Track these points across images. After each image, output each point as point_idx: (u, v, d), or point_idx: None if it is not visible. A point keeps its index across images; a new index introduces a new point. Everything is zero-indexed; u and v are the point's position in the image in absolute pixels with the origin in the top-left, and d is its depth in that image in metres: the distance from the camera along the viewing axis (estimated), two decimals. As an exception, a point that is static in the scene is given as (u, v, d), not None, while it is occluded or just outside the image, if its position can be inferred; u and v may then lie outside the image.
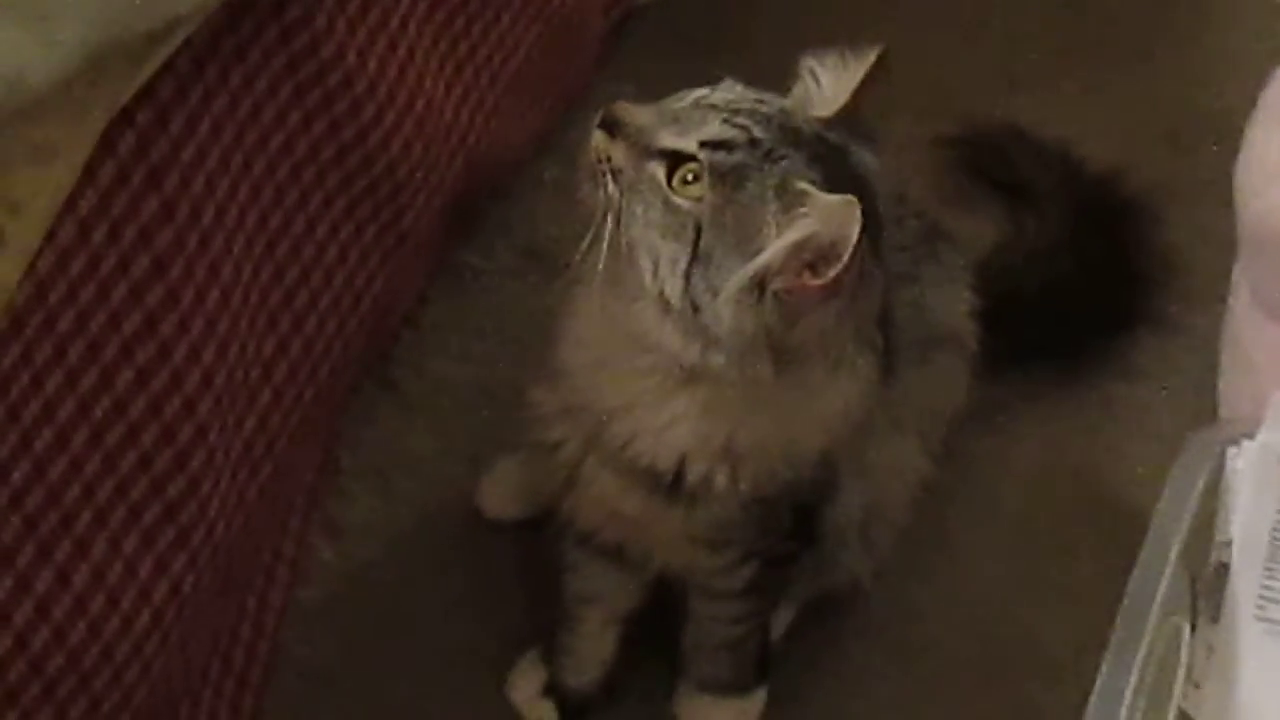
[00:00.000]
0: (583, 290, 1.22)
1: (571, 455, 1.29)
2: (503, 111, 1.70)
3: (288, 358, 1.42)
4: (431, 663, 1.53)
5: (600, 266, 1.15)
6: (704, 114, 1.15)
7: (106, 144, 1.13)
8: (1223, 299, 1.50)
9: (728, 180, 1.12)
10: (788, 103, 1.19)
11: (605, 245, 1.15)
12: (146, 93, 1.18)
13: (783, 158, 1.13)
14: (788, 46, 1.94)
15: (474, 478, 1.60)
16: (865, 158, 1.18)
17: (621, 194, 1.15)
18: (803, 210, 1.10)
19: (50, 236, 1.09)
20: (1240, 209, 1.39)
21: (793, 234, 1.10)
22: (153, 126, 1.19)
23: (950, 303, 1.39)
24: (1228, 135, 1.41)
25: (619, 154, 1.15)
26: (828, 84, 1.18)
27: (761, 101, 1.17)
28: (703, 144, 1.13)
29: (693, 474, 1.24)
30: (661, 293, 1.14)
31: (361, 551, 1.60)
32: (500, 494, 1.59)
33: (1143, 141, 1.83)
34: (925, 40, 1.96)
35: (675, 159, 1.14)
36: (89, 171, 1.12)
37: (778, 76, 1.87)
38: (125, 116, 1.16)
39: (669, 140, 1.14)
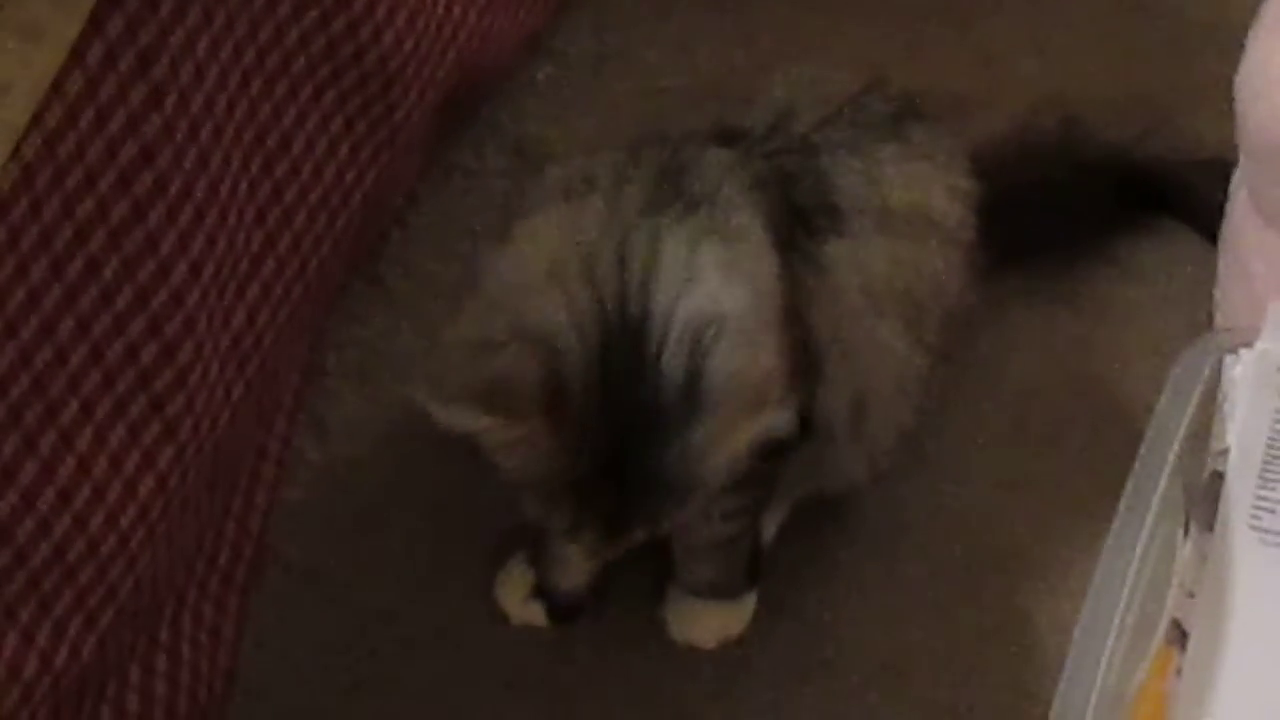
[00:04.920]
0: None
1: None
2: (496, 8, 1.68)
3: (276, 252, 1.40)
4: (418, 563, 1.52)
5: None
6: None
7: (94, 25, 1.11)
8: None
9: None
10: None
11: None
12: (136, -26, 1.16)
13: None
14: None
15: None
16: None
17: None
18: None
19: (36, 119, 1.07)
20: (1240, 117, 1.38)
21: None
22: (142, 9, 1.16)
23: (914, 180, 1.36)
24: (1228, 44, 1.40)
25: None
26: None
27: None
28: None
29: None
30: None
31: (347, 451, 1.59)
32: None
33: (1143, 49, 1.81)
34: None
35: None
36: (76, 54, 1.09)
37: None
38: (114, -2, 1.14)
39: None
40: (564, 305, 1.16)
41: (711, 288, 1.17)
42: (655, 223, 1.19)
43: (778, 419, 1.17)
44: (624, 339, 1.16)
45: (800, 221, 1.29)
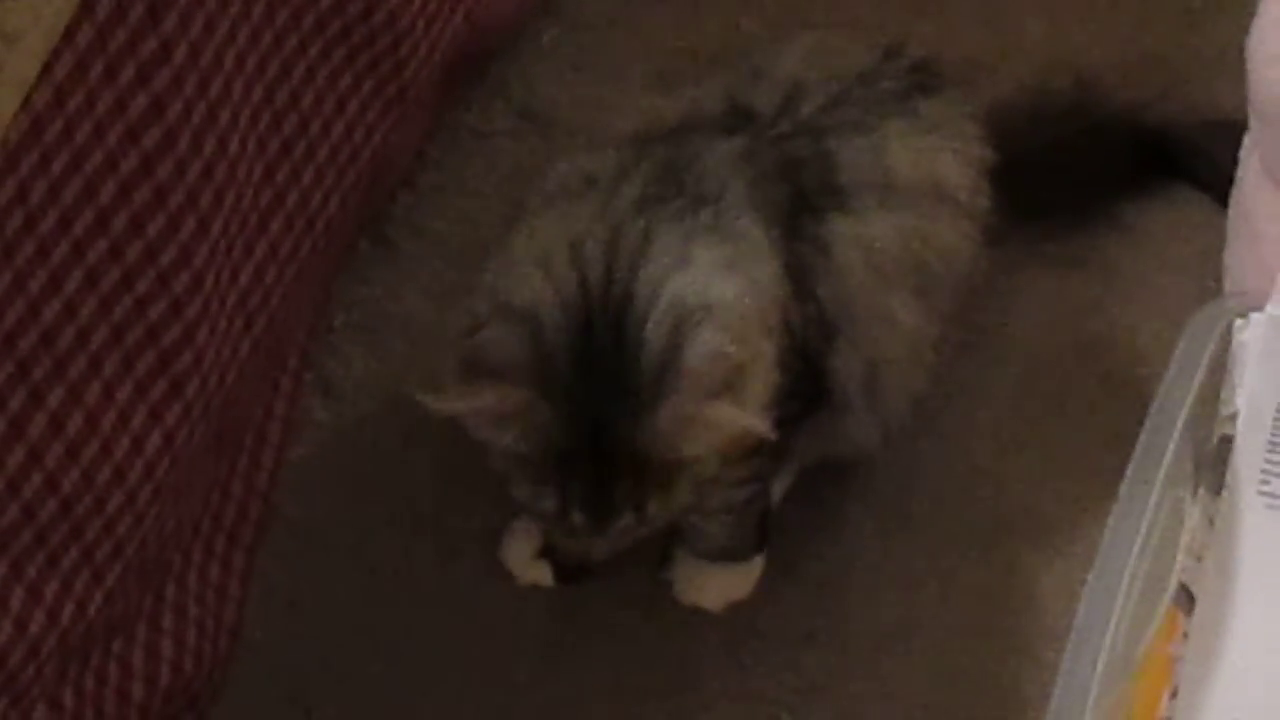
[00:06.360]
0: None
1: None
2: (505, -33, 1.68)
3: (284, 209, 1.40)
4: (424, 523, 1.52)
5: None
6: None
7: (105, -23, 1.11)
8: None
9: None
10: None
11: None
12: (146, -76, 1.15)
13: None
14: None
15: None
16: None
17: None
18: None
19: (46, 70, 1.07)
20: (1252, 80, 1.37)
21: None
22: (153, -39, 1.16)
23: (922, 154, 1.36)
24: (1240, 6, 1.40)
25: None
26: None
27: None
28: None
29: None
30: None
31: (354, 411, 1.59)
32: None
33: (1154, 12, 1.80)
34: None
35: None
36: (86, 5, 1.09)
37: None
38: (124, -52, 1.13)
39: None
40: (548, 283, 1.20)
41: (701, 276, 1.20)
42: (652, 214, 1.22)
43: (755, 422, 1.18)
44: (607, 316, 1.19)
45: (804, 205, 1.30)
